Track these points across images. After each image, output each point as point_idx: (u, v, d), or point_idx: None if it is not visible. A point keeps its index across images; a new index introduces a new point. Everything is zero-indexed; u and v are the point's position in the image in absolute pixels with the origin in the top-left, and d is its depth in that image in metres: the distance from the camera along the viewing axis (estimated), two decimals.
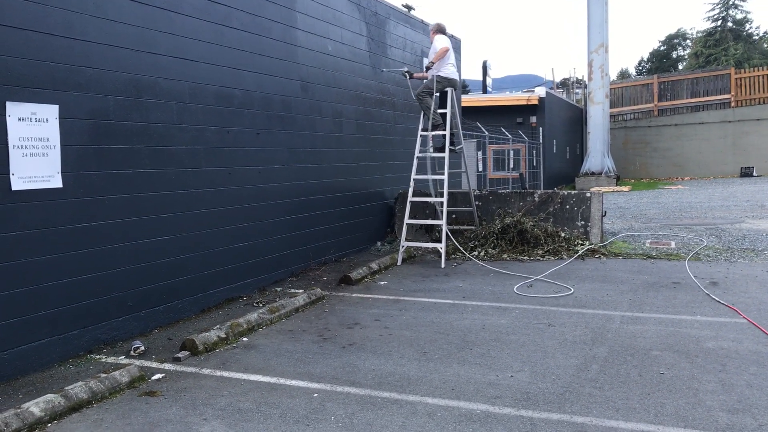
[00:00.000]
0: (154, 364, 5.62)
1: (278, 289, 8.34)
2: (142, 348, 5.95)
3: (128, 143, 6.35)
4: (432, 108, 10.51)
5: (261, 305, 7.41)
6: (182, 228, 7.03)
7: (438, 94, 10.67)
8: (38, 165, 5.45)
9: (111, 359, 5.74)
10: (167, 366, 5.58)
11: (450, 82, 10.59)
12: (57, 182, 5.62)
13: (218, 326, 6.29)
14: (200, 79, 7.28)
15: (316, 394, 4.85)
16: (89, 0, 5.90)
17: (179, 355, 5.74)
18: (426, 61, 10.90)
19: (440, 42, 10.47)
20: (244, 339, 6.30)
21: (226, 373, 5.36)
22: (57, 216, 5.62)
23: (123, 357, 5.80)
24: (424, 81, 10.71)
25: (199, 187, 7.27)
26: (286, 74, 8.84)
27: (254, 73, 8.17)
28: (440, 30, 10.78)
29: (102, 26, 6.04)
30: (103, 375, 5.01)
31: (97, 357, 5.81)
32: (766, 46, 58.29)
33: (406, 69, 11.39)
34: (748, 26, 57.34)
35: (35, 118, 5.42)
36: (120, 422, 4.44)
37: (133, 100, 6.41)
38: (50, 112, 5.54)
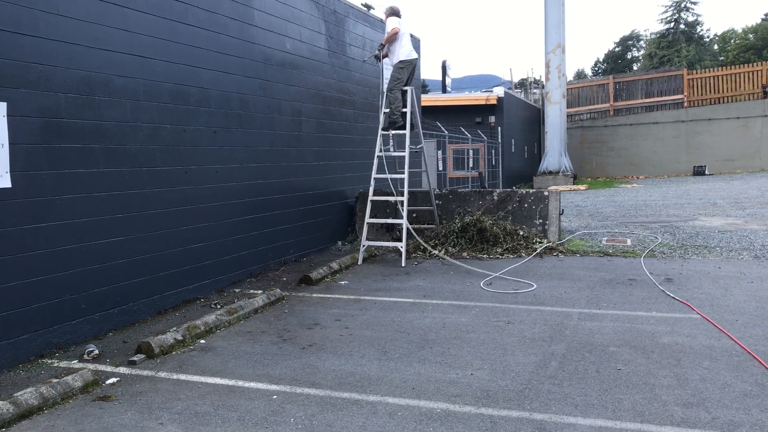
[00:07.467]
0: (109, 368, 5.48)
1: (237, 290, 8.24)
2: (96, 352, 5.80)
3: (81, 142, 6.19)
4: (396, 105, 10.49)
5: (219, 307, 7.31)
6: (137, 229, 6.88)
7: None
8: None
9: (64, 364, 5.58)
10: (122, 370, 5.45)
11: (411, 63, 10.63)
12: (5, 182, 5.44)
13: (175, 328, 6.18)
14: (155, 76, 7.14)
15: (275, 396, 4.79)
16: None
17: (134, 358, 5.62)
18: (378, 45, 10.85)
19: (391, 23, 10.56)
20: (202, 341, 6.19)
21: (183, 376, 5.25)
22: (6, 217, 5.45)
23: (76, 361, 5.65)
24: (391, 73, 10.68)
25: (154, 186, 7.13)
26: (243, 72, 8.73)
27: (211, 70, 8.04)
28: (393, 12, 10.80)
29: (53, 21, 5.87)
30: (55, 380, 4.86)
31: (49, 362, 5.65)
32: (716, 47, 59.87)
33: (376, 53, 11.33)
34: (699, 29, 58.90)
35: None
36: (72, 428, 4.31)
37: (86, 98, 6.25)
38: None
